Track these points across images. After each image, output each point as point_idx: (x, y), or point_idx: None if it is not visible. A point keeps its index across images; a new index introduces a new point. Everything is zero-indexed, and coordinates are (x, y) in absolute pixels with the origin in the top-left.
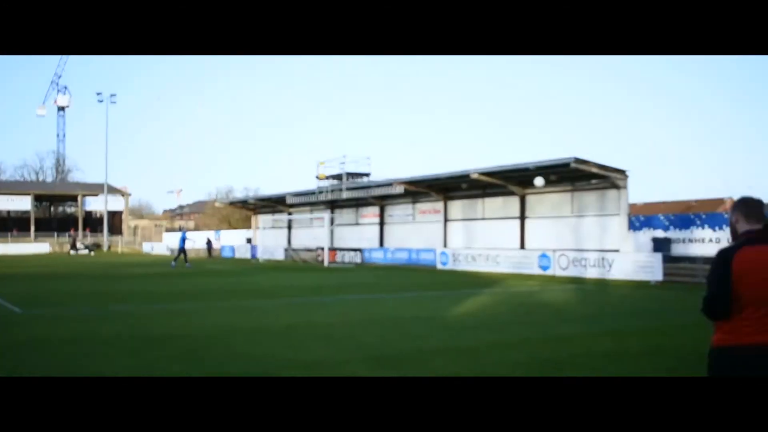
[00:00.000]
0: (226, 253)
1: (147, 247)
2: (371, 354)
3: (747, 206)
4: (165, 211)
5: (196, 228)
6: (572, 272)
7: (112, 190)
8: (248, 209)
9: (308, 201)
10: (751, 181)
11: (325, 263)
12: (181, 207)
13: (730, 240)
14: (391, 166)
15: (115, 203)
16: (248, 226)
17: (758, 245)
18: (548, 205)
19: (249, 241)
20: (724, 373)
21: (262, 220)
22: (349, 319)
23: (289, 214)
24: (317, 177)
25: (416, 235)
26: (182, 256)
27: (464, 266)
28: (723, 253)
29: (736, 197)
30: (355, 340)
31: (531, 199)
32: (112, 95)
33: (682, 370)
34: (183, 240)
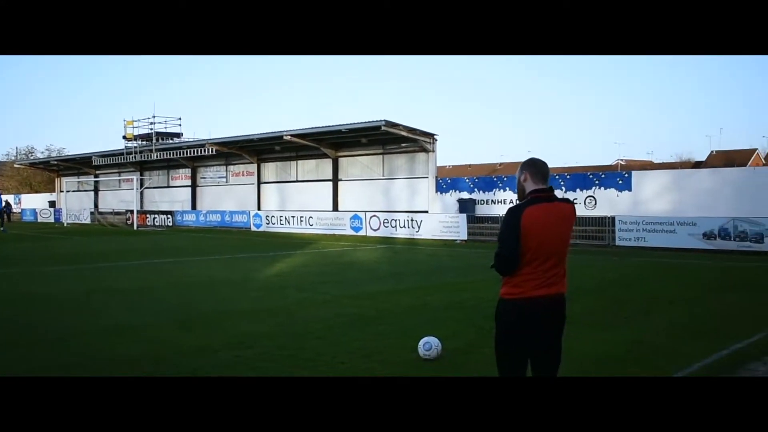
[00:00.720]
0: (27, 218)
1: None
2: (176, 317)
3: (535, 166)
4: None
5: None
6: (383, 233)
7: None
8: (51, 171)
9: (116, 162)
10: (547, 146)
11: (135, 227)
12: None
13: (517, 199)
14: (203, 128)
15: None
16: (52, 189)
17: (544, 203)
18: (360, 168)
19: (52, 204)
20: (511, 322)
21: (67, 182)
22: (157, 283)
23: (96, 176)
24: (125, 137)
25: (230, 197)
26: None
27: (278, 228)
28: (513, 212)
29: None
30: (161, 304)
31: (343, 162)
32: None
33: (478, 321)
34: None
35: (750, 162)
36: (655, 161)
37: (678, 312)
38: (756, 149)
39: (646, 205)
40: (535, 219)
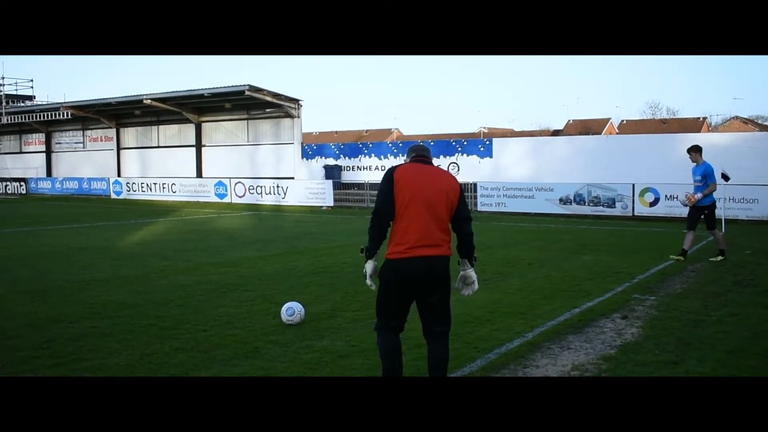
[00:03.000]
0: None
1: None
2: (30, 288)
3: (413, 151)
4: None
5: None
6: (249, 200)
7: None
8: None
9: None
10: (413, 113)
11: None
12: None
13: None
14: (58, 91)
15: None
16: None
17: (418, 163)
18: (224, 133)
19: None
20: (393, 279)
21: None
22: (9, 253)
23: None
24: None
25: (88, 163)
26: None
27: (140, 195)
28: (388, 170)
29: (402, 129)
30: (14, 274)
31: (207, 127)
32: None
33: (342, 285)
34: None
35: (604, 130)
36: (516, 129)
37: (535, 273)
38: (610, 118)
39: (506, 172)
40: (406, 174)
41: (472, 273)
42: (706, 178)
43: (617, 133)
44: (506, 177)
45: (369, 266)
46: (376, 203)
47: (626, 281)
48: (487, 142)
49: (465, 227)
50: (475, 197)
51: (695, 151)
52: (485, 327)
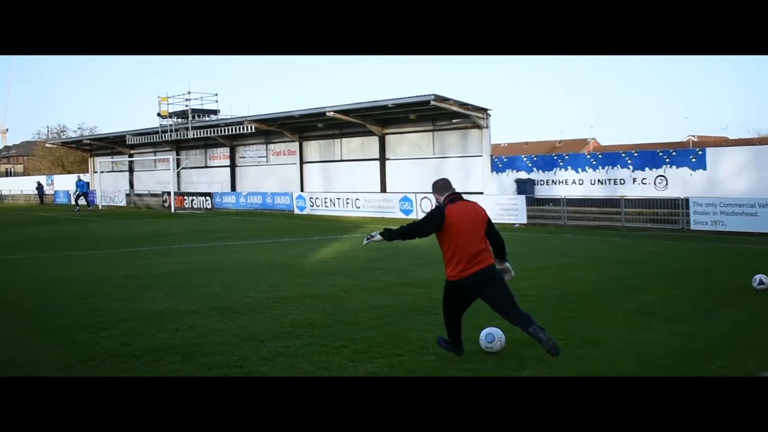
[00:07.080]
0: (61, 199)
1: None
2: (219, 304)
3: (436, 187)
4: None
5: (26, 172)
6: None
7: None
8: (84, 150)
9: (151, 141)
10: (610, 120)
11: (172, 209)
12: (7, 149)
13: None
14: (241, 104)
15: None
16: (85, 170)
17: (458, 202)
18: (409, 146)
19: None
20: (454, 294)
21: (100, 162)
22: (198, 268)
23: (131, 155)
24: (159, 114)
25: (271, 177)
26: (82, 201)
27: (323, 211)
28: (438, 209)
29: (598, 138)
30: (203, 290)
31: (391, 139)
32: None
33: (543, 312)
34: (83, 186)
35: None
36: (731, 137)
37: (765, 302)
38: None
39: (723, 186)
40: (456, 214)
41: (507, 265)
42: None
43: None
44: (723, 191)
45: (378, 237)
46: (423, 224)
47: None
48: (700, 152)
49: (496, 237)
50: (687, 215)
51: None
52: (713, 363)
